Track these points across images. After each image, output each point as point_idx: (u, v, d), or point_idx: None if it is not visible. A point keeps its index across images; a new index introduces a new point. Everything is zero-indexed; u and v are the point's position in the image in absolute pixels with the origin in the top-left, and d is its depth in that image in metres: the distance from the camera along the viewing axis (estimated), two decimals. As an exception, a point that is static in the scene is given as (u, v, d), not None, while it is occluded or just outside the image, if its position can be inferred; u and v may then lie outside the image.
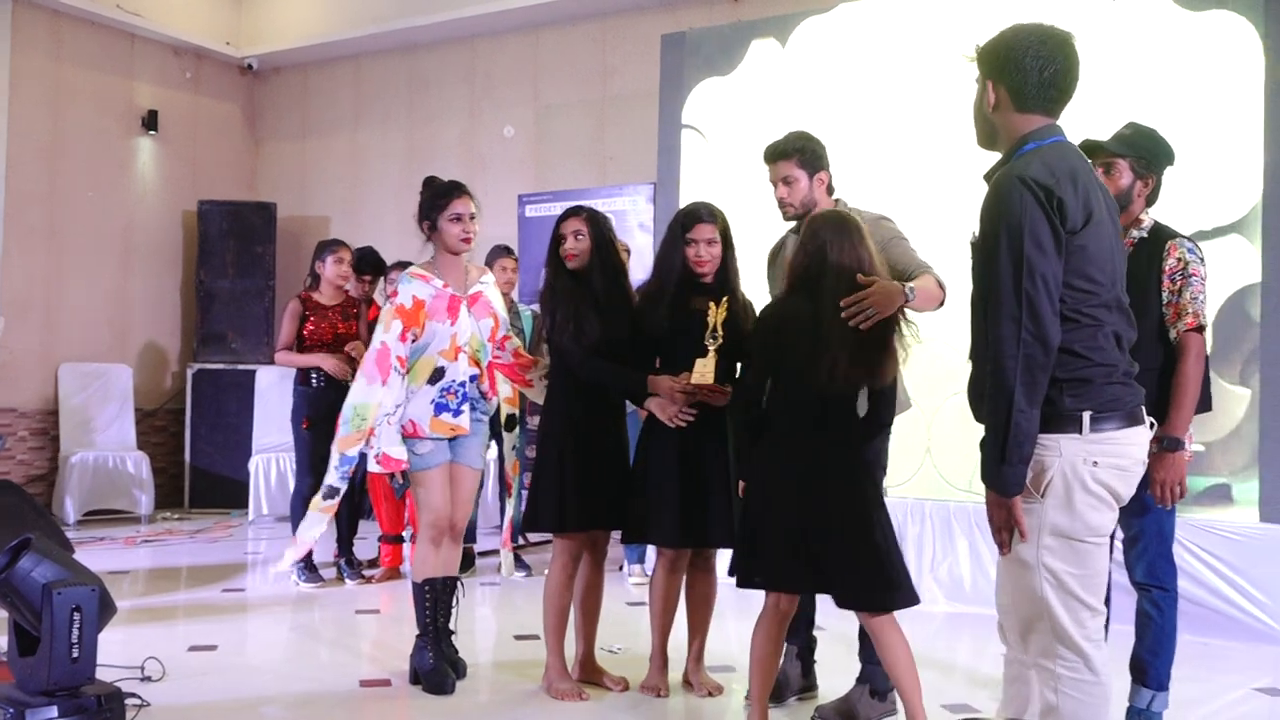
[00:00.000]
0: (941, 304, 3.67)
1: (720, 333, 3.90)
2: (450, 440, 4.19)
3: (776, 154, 3.93)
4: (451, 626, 4.33)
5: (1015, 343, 2.43)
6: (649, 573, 6.35)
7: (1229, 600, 5.11)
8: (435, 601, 4.22)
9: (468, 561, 6.37)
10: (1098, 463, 2.48)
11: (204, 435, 9.21)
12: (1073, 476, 2.49)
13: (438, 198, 4.21)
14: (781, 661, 4.08)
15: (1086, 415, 2.48)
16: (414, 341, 4.12)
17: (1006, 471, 2.47)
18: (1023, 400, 2.43)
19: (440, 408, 4.12)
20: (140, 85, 9.52)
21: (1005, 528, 2.53)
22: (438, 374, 4.13)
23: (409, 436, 4.10)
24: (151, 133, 9.54)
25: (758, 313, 3.73)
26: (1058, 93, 2.58)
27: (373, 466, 4.11)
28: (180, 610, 5.68)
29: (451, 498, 4.24)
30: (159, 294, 9.67)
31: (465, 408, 4.15)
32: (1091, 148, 3.73)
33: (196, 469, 9.22)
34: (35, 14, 8.73)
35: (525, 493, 4.31)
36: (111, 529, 8.12)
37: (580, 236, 4.08)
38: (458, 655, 4.36)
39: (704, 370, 3.89)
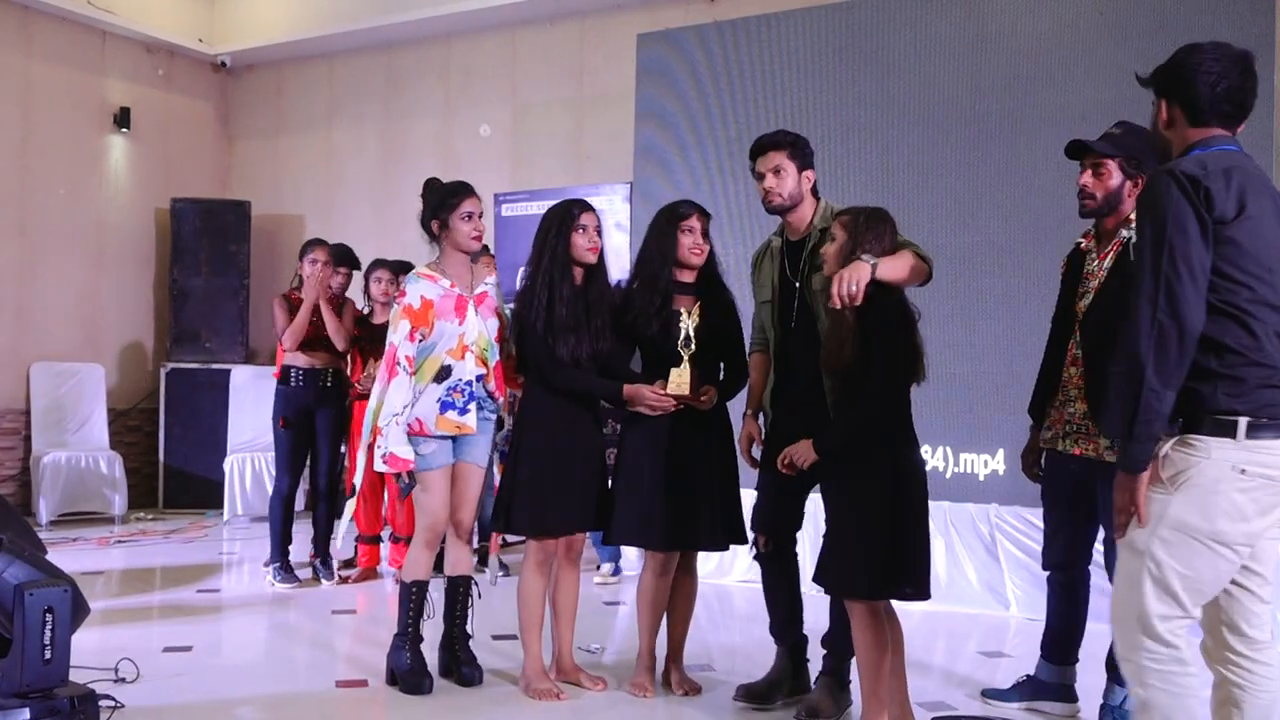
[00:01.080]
0: (929, 277, 3.63)
1: (694, 340, 3.90)
2: (455, 440, 4.19)
3: (768, 145, 3.93)
4: (469, 630, 4.32)
5: (1151, 322, 2.43)
6: (616, 573, 6.37)
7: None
8: (420, 603, 4.21)
9: (481, 558, 6.36)
10: (1245, 470, 2.45)
11: (178, 435, 9.15)
12: (1216, 480, 2.45)
13: (449, 196, 4.21)
14: (775, 660, 4.11)
15: (1243, 421, 2.45)
16: (422, 341, 4.13)
17: (1133, 448, 2.46)
18: (1154, 379, 2.42)
19: (446, 405, 4.12)
20: (112, 82, 9.45)
21: (1125, 510, 2.52)
22: (444, 372, 4.12)
23: (414, 434, 4.09)
24: (124, 130, 9.47)
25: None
26: (1232, 108, 2.61)
27: (380, 466, 4.08)
28: (155, 611, 5.65)
29: (457, 496, 4.23)
30: (132, 292, 9.60)
31: (471, 407, 4.14)
32: (1079, 149, 3.77)
33: (170, 469, 9.17)
34: (5, 10, 8.65)
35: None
36: (85, 529, 8.06)
37: (600, 233, 4.09)
38: (475, 662, 4.31)
39: (679, 380, 3.90)
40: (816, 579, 3.52)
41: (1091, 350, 3.71)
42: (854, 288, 3.33)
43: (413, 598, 4.20)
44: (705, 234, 4.06)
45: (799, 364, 3.86)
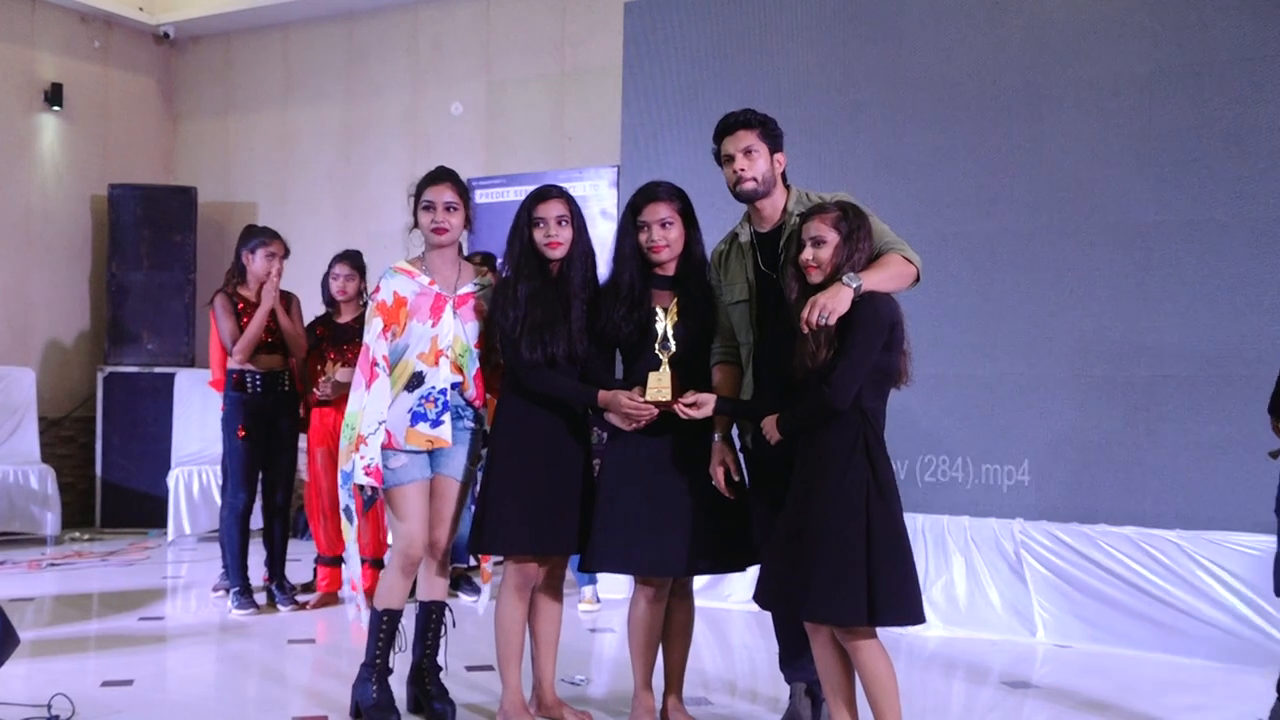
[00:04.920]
0: (917, 279, 3.66)
1: (673, 341, 3.89)
2: (431, 452, 4.19)
3: (738, 124, 3.93)
4: (441, 661, 4.30)
5: None
6: (599, 599, 6.35)
7: (1246, 621, 5.12)
8: (391, 634, 4.19)
9: (453, 582, 6.33)
10: None
11: (117, 446, 9.13)
12: None
13: (418, 186, 4.23)
14: (790, 699, 4.10)
15: None
16: (393, 340, 4.13)
17: None
18: None
19: (417, 417, 4.10)
20: (43, 56, 9.42)
21: None
22: (416, 380, 4.11)
23: (384, 448, 4.08)
24: (56, 109, 9.45)
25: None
26: None
27: (360, 478, 4.04)
28: (92, 641, 5.63)
29: (434, 514, 4.20)
30: (65, 288, 9.58)
31: (446, 417, 4.12)
32: None
33: (109, 484, 9.15)
34: (-76, -24, 8.64)
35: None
36: (13, 551, 8.03)
37: (564, 223, 4.06)
38: (448, 696, 4.27)
39: (659, 385, 3.86)
40: (814, 613, 3.49)
41: None
42: (826, 319, 3.38)
43: (383, 627, 4.17)
44: (684, 215, 4.03)
45: (780, 367, 3.78)
